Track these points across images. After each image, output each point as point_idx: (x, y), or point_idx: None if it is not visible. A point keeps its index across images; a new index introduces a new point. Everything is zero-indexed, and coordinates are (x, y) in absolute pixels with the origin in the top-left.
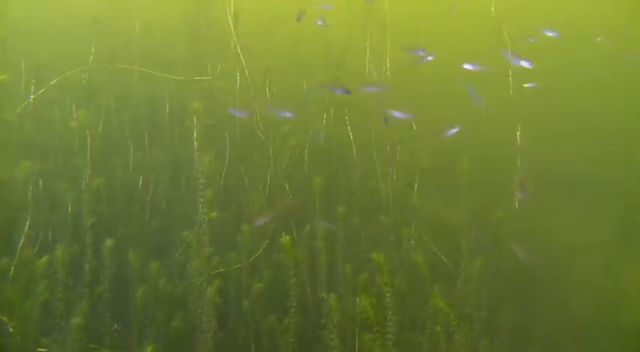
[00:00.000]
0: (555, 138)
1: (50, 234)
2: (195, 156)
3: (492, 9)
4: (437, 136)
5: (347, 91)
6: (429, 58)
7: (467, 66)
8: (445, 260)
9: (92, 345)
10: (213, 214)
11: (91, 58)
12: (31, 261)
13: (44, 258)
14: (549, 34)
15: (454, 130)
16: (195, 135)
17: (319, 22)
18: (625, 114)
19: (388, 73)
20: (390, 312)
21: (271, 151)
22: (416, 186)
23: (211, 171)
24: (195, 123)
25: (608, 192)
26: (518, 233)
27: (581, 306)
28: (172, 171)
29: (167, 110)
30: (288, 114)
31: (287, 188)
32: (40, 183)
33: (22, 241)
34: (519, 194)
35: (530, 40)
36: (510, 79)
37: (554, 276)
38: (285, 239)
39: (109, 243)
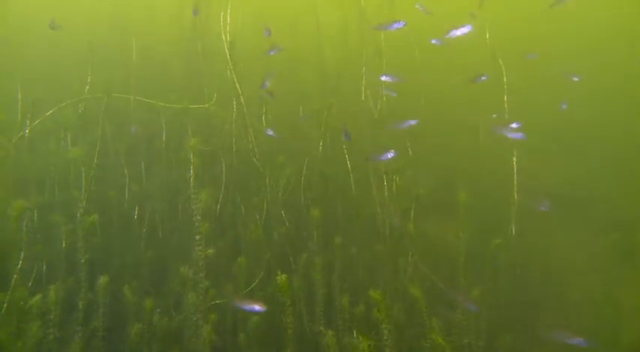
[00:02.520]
0: (552, 160)
1: (44, 268)
2: (192, 192)
3: (487, 36)
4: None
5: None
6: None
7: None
8: (442, 287)
9: None
10: (210, 251)
11: (87, 87)
12: (23, 300)
13: (37, 297)
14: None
15: (389, 155)
16: (191, 172)
17: None
18: (623, 133)
19: (384, 99)
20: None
21: (267, 179)
22: (412, 214)
23: (207, 206)
24: (191, 160)
25: (606, 212)
26: (515, 257)
27: (580, 329)
28: (169, 199)
29: (164, 138)
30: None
31: (284, 216)
32: (35, 215)
33: (15, 277)
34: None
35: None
36: (506, 105)
37: (552, 300)
38: (281, 277)
39: (103, 280)
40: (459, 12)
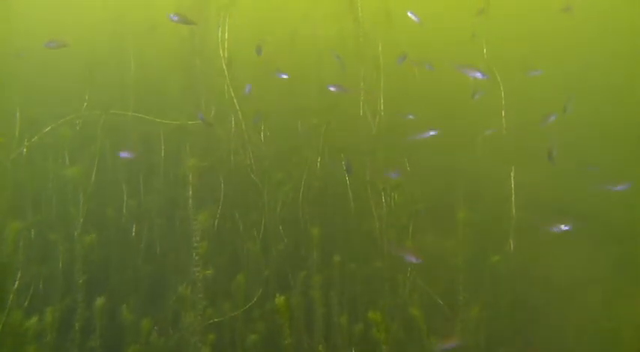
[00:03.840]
0: (550, 174)
1: (41, 287)
2: (191, 212)
3: (484, 51)
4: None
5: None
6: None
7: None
8: (441, 303)
9: None
10: (208, 272)
11: (85, 104)
12: (19, 323)
13: (33, 319)
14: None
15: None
16: (190, 192)
17: None
18: (622, 146)
19: (382, 114)
20: None
21: (265, 195)
22: (410, 230)
23: (206, 226)
24: (190, 180)
25: (606, 225)
26: (514, 272)
27: (580, 345)
28: (167, 215)
29: (162, 154)
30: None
31: (281, 232)
32: (32, 233)
33: (10, 298)
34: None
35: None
36: (503, 120)
37: (552, 316)
38: (279, 299)
39: (99, 301)
40: (455, 25)
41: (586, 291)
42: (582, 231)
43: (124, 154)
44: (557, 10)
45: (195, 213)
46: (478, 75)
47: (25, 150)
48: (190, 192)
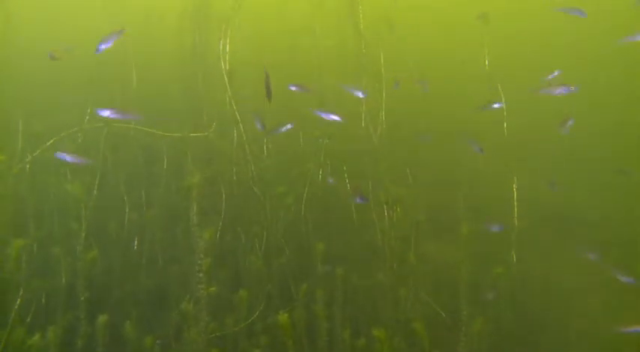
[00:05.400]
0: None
1: (43, 302)
2: (196, 230)
3: (486, 62)
4: None
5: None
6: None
7: None
8: (444, 315)
9: None
10: (212, 289)
11: (87, 117)
12: (22, 340)
13: (36, 336)
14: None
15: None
16: (195, 209)
17: None
18: (623, 152)
19: (384, 125)
20: None
21: (267, 207)
22: (413, 242)
23: (210, 244)
24: (194, 197)
25: (607, 232)
26: (516, 282)
27: None
28: (169, 228)
29: (165, 166)
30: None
31: (283, 244)
32: (35, 248)
33: (12, 315)
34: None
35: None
36: (505, 131)
37: (554, 324)
38: (282, 317)
39: (102, 318)
40: (457, 36)
41: (587, 301)
42: (583, 237)
43: (103, 112)
44: (561, 19)
45: (200, 231)
46: (563, 90)
47: (28, 166)
48: (195, 209)
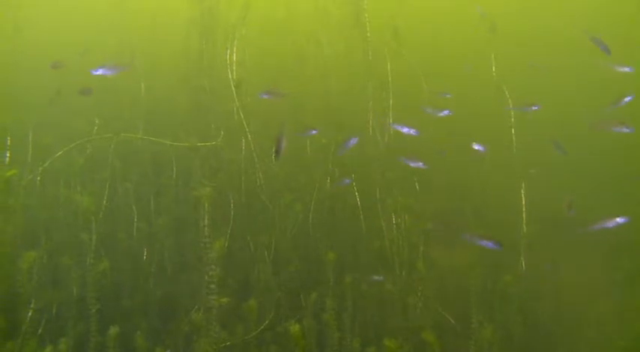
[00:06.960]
0: (561, 189)
1: (54, 313)
2: (207, 241)
3: (493, 69)
4: None
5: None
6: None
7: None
8: (453, 322)
9: None
10: (224, 300)
11: (96, 128)
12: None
13: (48, 348)
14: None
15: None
16: (206, 221)
17: None
18: (633, 157)
19: (391, 132)
20: None
21: (276, 216)
22: (421, 250)
23: (219, 254)
24: (206, 208)
25: (616, 237)
26: (526, 293)
27: None
28: (178, 237)
29: (174, 175)
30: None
31: (292, 253)
32: (45, 259)
33: (24, 327)
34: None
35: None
36: (514, 137)
37: (564, 332)
38: (294, 327)
39: (113, 330)
40: (463, 43)
41: (599, 308)
42: (594, 244)
43: (96, 71)
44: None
45: (211, 241)
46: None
47: (38, 178)
48: (206, 221)
